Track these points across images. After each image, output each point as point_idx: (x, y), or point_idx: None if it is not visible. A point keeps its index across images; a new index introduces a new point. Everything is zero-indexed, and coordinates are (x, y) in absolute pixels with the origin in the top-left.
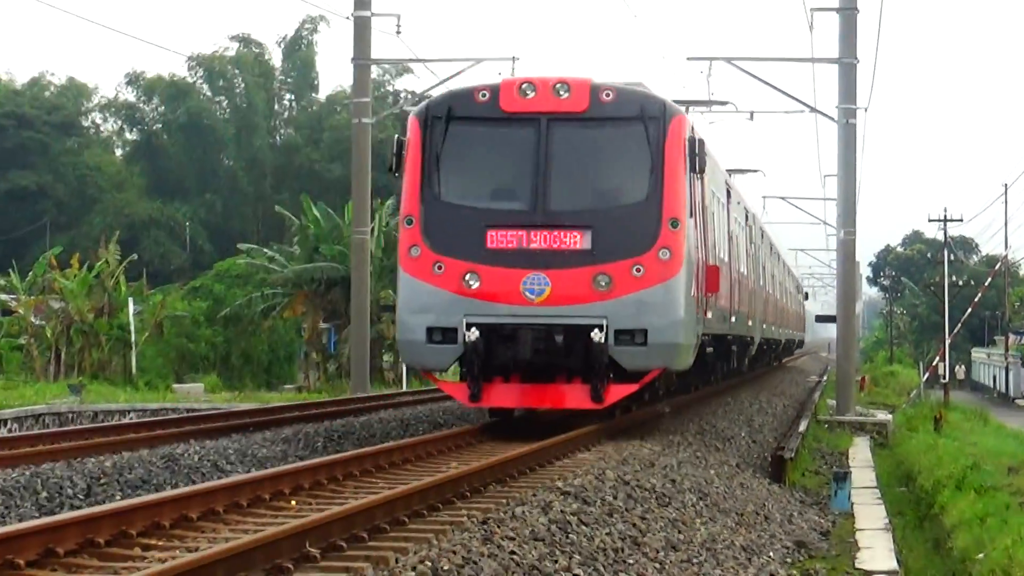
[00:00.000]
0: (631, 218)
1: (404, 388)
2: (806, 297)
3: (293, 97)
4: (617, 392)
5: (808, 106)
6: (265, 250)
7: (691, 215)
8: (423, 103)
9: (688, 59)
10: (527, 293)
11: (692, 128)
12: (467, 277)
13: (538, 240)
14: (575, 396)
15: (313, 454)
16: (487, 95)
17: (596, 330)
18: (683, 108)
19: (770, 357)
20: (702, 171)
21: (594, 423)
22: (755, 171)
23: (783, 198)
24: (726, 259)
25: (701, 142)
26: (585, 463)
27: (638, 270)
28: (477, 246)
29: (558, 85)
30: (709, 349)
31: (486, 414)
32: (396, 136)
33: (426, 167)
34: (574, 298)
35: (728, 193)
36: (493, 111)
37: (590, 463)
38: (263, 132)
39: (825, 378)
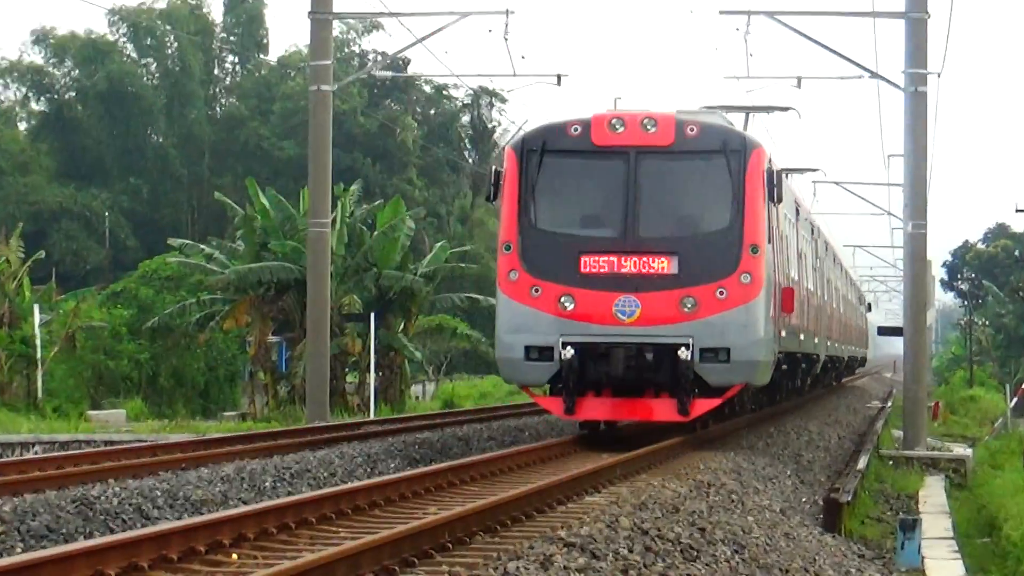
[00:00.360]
0: (715, 244)
1: (372, 416)
2: (869, 308)
3: (237, 60)
4: (702, 406)
5: (868, 70)
6: (202, 246)
7: (769, 241)
8: (519, 136)
9: (721, 12)
10: (619, 314)
11: (770, 160)
12: (563, 299)
13: (628, 265)
14: (663, 409)
15: (259, 496)
16: (579, 129)
17: (683, 348)
18: (760, 141)
19: (831, 377)
20: (779, 200)
21: (676, 436)
22: (813, 170)
23: (838, 183)
24: (796, 278)
25: (779, 173)
26: (595, 507)
27: (721, 293)
28: (572, 271)
29: (645, 120)
30: (783, 367)
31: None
32: (493, 167)
33: (523, 197)
34: (662, 319)
35: (796, 210)
36: (585, 144)
37: (601, 507)
38: (199, 102)
39: (890, 404)
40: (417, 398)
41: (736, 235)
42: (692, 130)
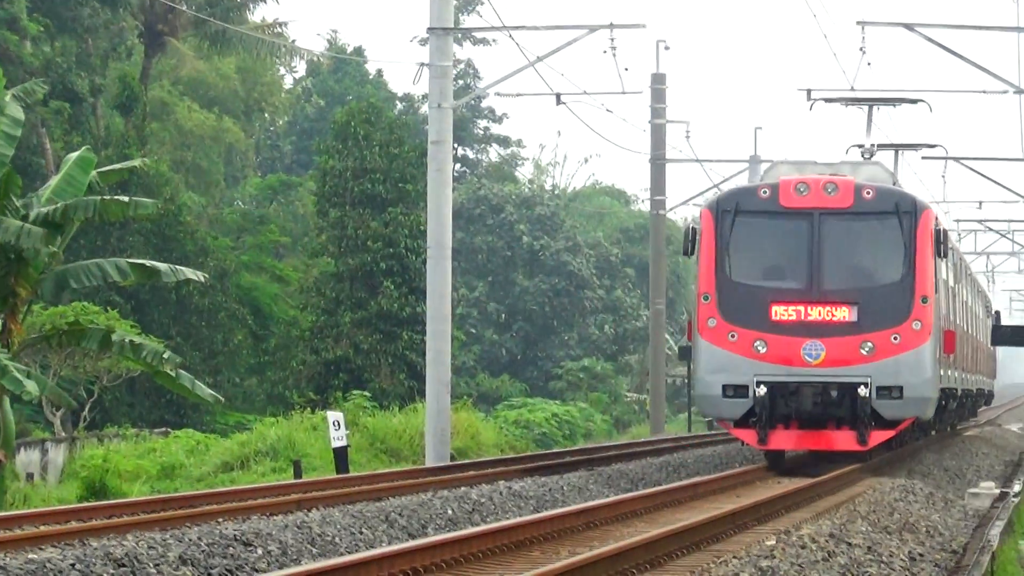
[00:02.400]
0: (889, 296)
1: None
2: (997, 319)
3: None
4: (878, 437)
5: (1013, 85)
6: None
7: (936, 291)
8: (714, 199)
9: (858, 23)
10: (806, 356)
11: (937, 220)
12: (756, 343)
13: (814, 313)
14: (843, 440)
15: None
16: (768, 192)
17: (862, 387)
18: (929, 201)
19: (953, 416)
20: (945, 256)
21: (852, 463)
22: (931, 146)
23: (961, 160)
24: (953, 318)
25: (945, 232)
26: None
27: (895, 338)
28: (764, 318)
29: (827, 185)
30: (941, 402)
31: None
32: (691, 225)
33: (719, 252)
34: (844, 361)
35: (950, 251)
36: (774, 206)
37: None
38: None
39: (1018, 489)
40: (31, 479)
41: (908, 287)
42: (868, 193)
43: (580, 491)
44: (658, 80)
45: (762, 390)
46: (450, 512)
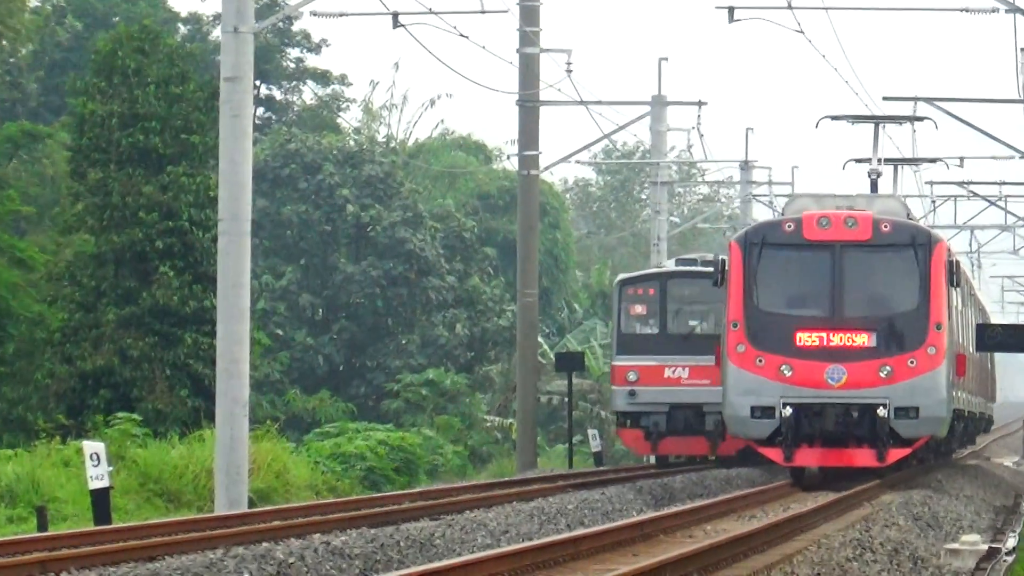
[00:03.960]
0: (906, 322)
1: None
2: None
3: None
4: (896, 454)
5: (1021, 152)
6: None
7: (949, 318)
8: (742, 232)
9: (884, 99)
10: (829, 380)
11: (949, 251)
12: (782, 368)
13: (836, 339)
14: (864, 458)
15: None
16: (792, 226)
17: (881, 407)
18: (943, 235)
19: (954, 443)
20: (958, 285)
21: (871, 480)
22: (932, 161)
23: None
24: (963, 343)
25: (958, 263)
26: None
27: (912, 362)
28: (789, 344)
29: (848, 219)
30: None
31: None
32: (720, 257)
33: (747, 283)
34: (865, 383)
35: (960, 278)
36: (798, 239)
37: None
38: None
39: (1013, 544)
40: None
41: (924, 315)
42: (886, 227)
43: (422, 548)
44: None
45: (788, 411)
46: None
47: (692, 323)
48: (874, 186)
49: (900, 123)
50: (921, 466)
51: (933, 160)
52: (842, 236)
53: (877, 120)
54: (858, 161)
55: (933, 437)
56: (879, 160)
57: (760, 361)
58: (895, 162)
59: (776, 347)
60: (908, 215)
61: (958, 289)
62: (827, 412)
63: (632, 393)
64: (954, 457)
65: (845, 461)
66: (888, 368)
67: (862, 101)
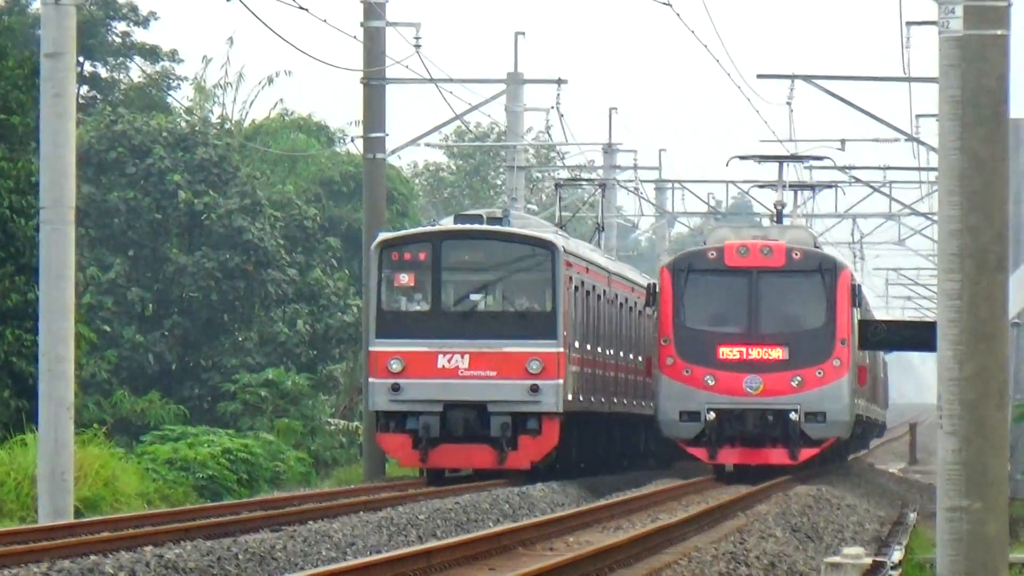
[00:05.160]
0: (814, 338)
1: None
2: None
3: None
4: (806, 453)
5: (905, 133)
6: None
7: (852, 334)
8: (671, 260)
9: (759, 76)
10: (747, 388)
11: (853, 276)
12: (706, 378)
13: (753, 353)
14: (778, 456)
15: None
16: (715, 254)
17: (793, 412)
18: (847, 263)
19: (852, 446)
20: (859, 305)
21: (782, 476)
22: (819, 158)
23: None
24: (863, 355)
25: (859, 287)
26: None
27: (820, 373)
28: (712, 357)
29: (764, 248)
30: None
31: None
32: (651, 283)
33: (676, 303)
34: (779, 391)
35: (861, 300)
36: (720, 265)
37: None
38: None
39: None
40: None
41: (830, 332)
42: (797, 255)
43: (263, 561)
44: None
45: (711, 415)
46: None
47: (474, 298)
48: (779, 215)
49: (804, 163)
50: (805, 472)
51: (829, 185)
52: (759, 263)
53: (781, 160)
54: (762, 186)
55: (838, 439)
56: (783, 188)
57: (687, 372)
58: (796, 187)
59: (701, 360)
60: (815, 243)
61: (859, 308)
62: (746, 416)
63: (395, 387)
64: (849, 458)
65: (762, 459)
66: (799, 378)
67: (734, 81)
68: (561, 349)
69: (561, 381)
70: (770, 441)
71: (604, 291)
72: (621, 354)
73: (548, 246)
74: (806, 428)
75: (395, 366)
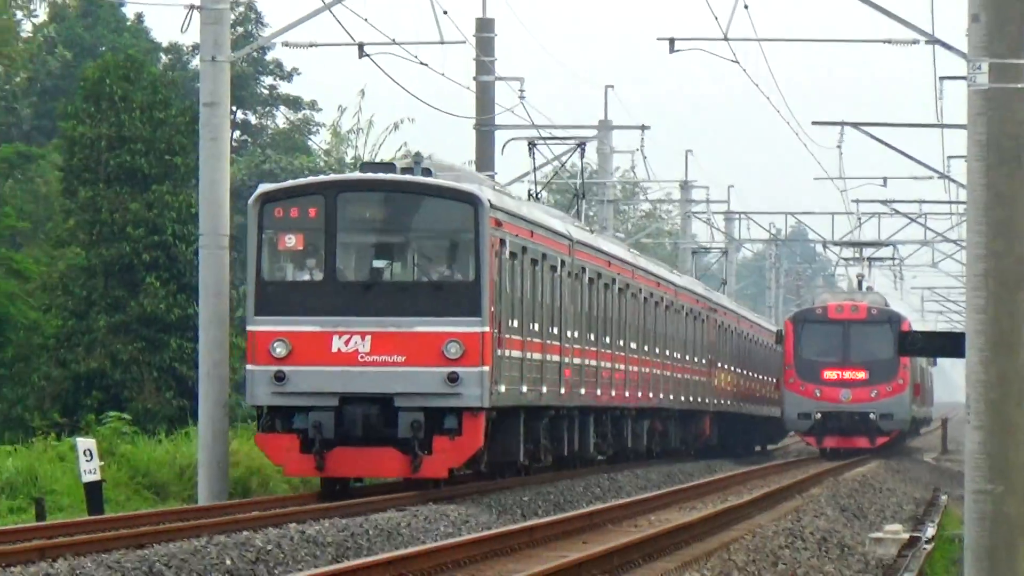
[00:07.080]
0: (885, 365)
1: None
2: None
3: None
4: (880, 440)
5: (939, 172)
6: None
7: (909, 363)
8: (792, 314)
9: (813, 123)
10: (842, 398)
11: (910, 324)
12: (815, 391)
13: (846, 375)
14: (862, 442)
15: None
16: (821, 311)
17: (871, 414)
18: (908, 314)
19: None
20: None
21: (867, 455)
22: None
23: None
24: (916, 375)
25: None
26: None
27: (889, 388)
28: (819, 377)
29: (852, 307)
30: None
31: None
32: (778, 330)
33: (796, 342)
34: (862, 400)
35: None
36: (824, 317)
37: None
38: None
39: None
40: None
41: (896, 362)
42: (874, 311)
43: (389, 536)
44: (485, 27)
45: (819, 416)
46: (228, 562)
47: (377, 265)
48: (860, 282)
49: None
50: (860, 458)
51: (884, 260)
52: (849, 316)
53: (863, 246)
54: (847, 260)
55: (900, 431)
56: (866, 268)
57: (803, 387)
58: (872, 261)
59: (812, 379)
60: (885, 303)
61: None
62: (841, 416)
63: (279, 376)
64: (906, 445)
65: (851, 444)
66: (875, 391)
67: (791, 128)
68: (486, 328)
69: (487, 369)
70: (856, 433)
71: (562, 261)
72: (591, 337)
73: (469, 199)
74: (880, 424)
75: (279, 350)
